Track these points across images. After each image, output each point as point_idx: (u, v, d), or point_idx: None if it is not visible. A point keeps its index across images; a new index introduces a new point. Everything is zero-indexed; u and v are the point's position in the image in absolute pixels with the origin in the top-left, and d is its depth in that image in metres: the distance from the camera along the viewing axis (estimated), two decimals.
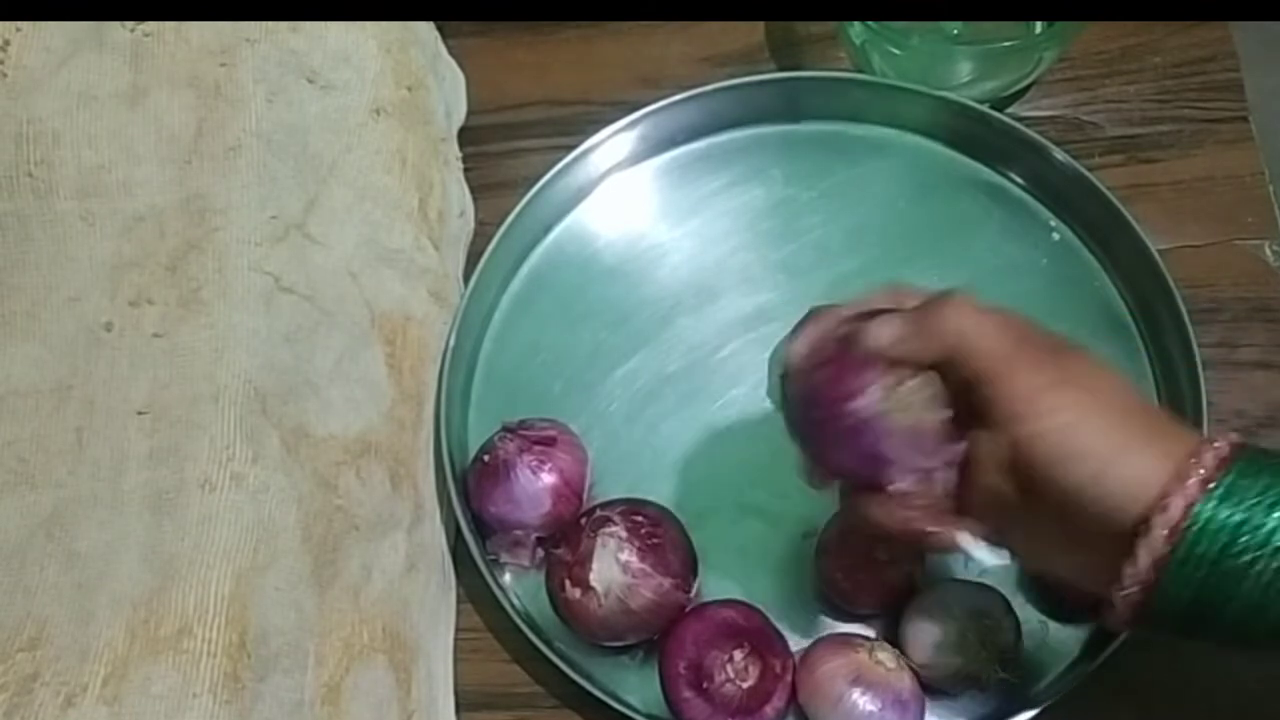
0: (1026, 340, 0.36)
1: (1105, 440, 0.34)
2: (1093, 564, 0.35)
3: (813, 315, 0.42)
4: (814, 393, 0.39)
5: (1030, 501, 0.35)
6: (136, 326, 0.44)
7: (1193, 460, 0.33)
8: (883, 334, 0.38)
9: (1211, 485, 0.32)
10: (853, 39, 0.57)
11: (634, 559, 0.47)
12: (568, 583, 0.48)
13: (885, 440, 0.37)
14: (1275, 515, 0.31)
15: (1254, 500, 0.32)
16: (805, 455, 0.42)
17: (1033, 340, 0.37)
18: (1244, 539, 0.31)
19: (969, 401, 0.37)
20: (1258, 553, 0.31)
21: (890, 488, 0.38)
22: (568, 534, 0.49)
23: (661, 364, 0.56)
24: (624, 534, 0.47)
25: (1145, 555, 0.32)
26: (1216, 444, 0.33)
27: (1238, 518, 0.32)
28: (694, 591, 0.49)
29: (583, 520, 0.49)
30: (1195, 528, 0.32)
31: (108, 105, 0.46)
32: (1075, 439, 0.34)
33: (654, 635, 0.49)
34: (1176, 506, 0.32)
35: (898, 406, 0.37)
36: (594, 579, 0.47)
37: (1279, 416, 0.53)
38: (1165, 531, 0.32)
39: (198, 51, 0.48)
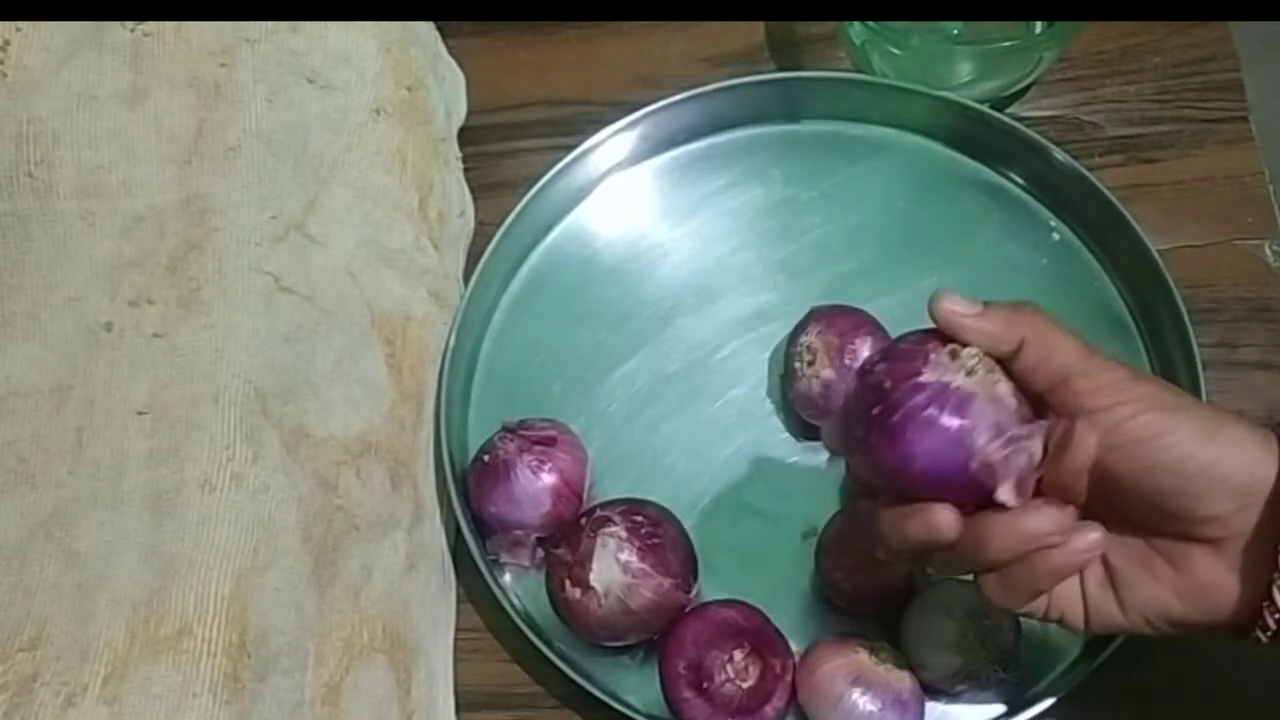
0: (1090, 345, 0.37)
1: (1196, 416, 0.35)
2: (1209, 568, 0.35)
3: (814, 313, 0.41)
4: (871, 389, 0.36)
5: (1125, 496, 0.36)
6: (136, 326, 0.44)
7: None
8: (958, 308, 0.36)
9: None
10: (853, 39, 0.57)
11: (634, 559, 0.47)
12: (568, 583, 0.48)
13: (965, 408, 0.34)
14: None
15: None
16: (872, 471, 0.37)
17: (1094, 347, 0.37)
18: None
19: (1037, 401, 0.37)
20: None
21: (999, 489, 0.34)
22: (568, 534, 0.49)
23: (661, 364, 0.56)
24: (624, 534, 0.47)
25: None
26: None
27: None
28: (694, 591, 0.49)
29: (583, 520, 0.49)
30: None
31: (108, 105, 0.46)
32: (1169, 417, 0.35)
33: (654, 635, 0.49)
34: None
35: (965, 369, 0.35)
36: (594, 579, 0.47)
37: (1279, 416, 0.53)
38: None
39: (198, 51, 0.48)
